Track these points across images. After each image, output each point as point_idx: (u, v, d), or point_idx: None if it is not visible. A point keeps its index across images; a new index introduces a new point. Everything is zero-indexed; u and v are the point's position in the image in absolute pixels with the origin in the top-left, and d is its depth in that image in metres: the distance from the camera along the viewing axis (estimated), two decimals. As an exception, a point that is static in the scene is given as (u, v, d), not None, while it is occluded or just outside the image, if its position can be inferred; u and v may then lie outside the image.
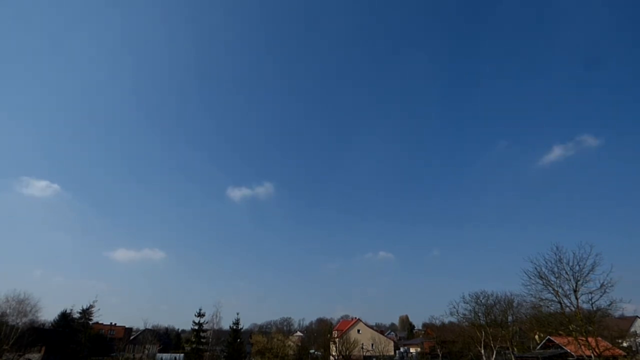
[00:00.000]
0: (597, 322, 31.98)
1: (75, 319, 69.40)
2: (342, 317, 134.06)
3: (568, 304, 30.95)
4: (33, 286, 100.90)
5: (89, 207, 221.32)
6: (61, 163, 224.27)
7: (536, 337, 58.86)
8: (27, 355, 50.13)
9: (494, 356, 52.15)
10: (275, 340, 66.37)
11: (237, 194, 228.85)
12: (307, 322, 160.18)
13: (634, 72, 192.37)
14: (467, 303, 54.29)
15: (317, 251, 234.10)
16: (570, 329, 32.51)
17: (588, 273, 29.68)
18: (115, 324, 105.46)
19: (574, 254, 30.65)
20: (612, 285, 28.75)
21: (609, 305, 29.59)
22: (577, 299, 30.26)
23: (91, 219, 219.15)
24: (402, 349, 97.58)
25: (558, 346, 46.02)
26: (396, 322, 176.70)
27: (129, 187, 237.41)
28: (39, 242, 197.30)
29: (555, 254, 31.82)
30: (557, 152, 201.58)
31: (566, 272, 30.81)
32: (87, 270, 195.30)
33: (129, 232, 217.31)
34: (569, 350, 42.79)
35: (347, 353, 74.53)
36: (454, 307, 55.31)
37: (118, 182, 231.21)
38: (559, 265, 31.41)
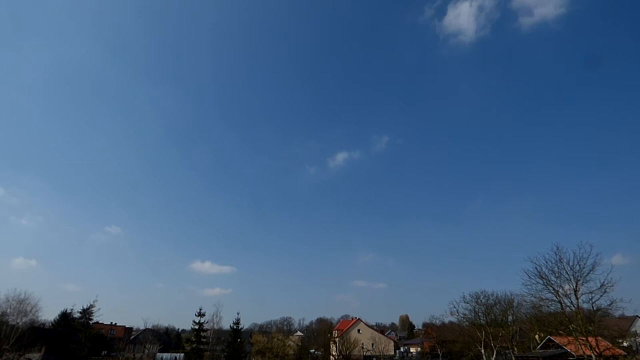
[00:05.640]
0: (597, 322, 31.99)
1: (75, 318, 69.56)
2: (342, 317, 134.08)
3: (568, 304, 30.99)
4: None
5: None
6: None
7: (536, 337, 58.79)
8: (27, 355, 50.04)
9: (494, 356, 52.08)
10: (275, 340, 66.44)
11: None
12: (307, 322, 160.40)
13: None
14: (467, 303, 54.19)
15: (317, 249, 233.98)
16: (571, 328, 32.48)
17: (588, 273, 29.70)
18: (115, 323, 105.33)
19: (574, 253, 30.67)
20: (612, 285, 28.81)
21: (609, 305, 29.63)
22: (577, 298, 30.26)
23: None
24: (402, 349, 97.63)
25: (558, 346, 45.95)
26: (396, 321, 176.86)
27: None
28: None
29: (555, 253, 31.84)
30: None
31: (566, 272, 30.83)
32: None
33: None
34: (569, 350, 42.72)
35: (347, 353, 74.47)
36: (454, 307, 55.28)
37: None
38: (559, 265, 31.42)
